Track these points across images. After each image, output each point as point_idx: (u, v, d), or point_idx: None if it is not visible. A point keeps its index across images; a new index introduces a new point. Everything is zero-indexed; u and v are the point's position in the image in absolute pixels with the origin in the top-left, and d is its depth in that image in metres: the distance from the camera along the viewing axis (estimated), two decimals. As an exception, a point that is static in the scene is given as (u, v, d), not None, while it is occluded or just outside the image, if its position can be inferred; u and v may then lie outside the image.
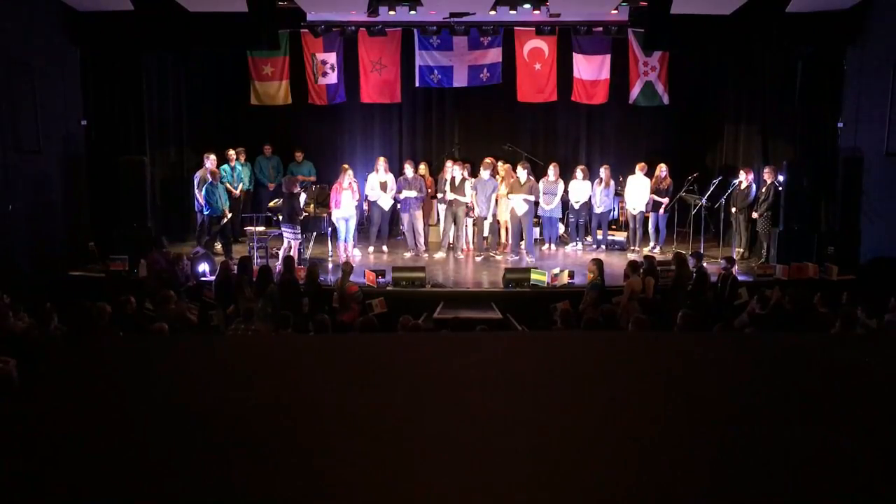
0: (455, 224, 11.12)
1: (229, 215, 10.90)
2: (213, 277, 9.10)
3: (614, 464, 2.31)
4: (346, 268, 8.66)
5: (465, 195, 10.90)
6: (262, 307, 7.87)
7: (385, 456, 2.34)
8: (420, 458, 2.35)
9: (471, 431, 2.50)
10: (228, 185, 11.31)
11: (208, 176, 10.67)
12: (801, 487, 2.17)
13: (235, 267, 8.84)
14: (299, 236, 10.14)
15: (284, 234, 10.12)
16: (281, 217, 10.33)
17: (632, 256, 10.73)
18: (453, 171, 11.05)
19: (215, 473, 2.25)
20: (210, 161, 10.93)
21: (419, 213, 11.12)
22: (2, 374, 3.35)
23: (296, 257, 9.84)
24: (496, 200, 11.04)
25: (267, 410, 2.71)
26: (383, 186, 11.07)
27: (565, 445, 2.43)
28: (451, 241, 11.26)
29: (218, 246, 11.17)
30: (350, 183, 10.68)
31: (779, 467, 2.24)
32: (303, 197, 10.51)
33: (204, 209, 10.72)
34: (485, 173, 10.83)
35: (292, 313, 7.35)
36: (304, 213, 10.34)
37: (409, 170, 11.11)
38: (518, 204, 10.68)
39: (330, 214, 10.70)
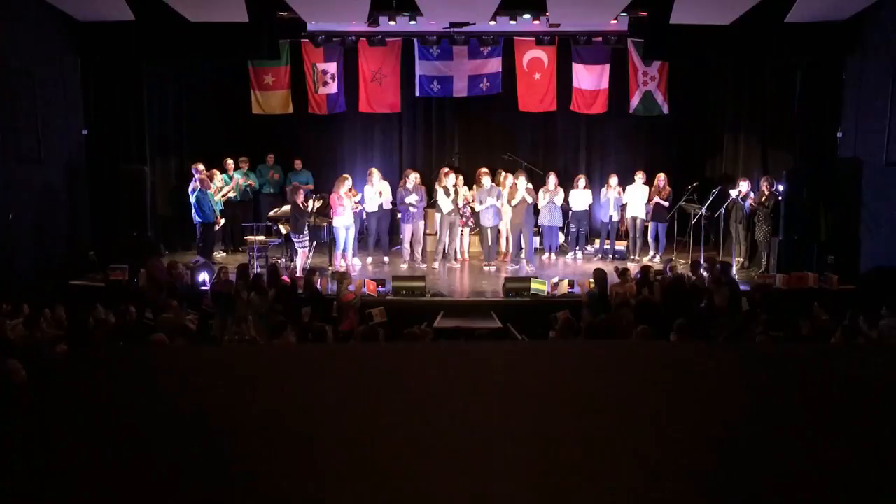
0: (450, 233, 11.11)
1: (222, 221, 10.89)
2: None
3: (614, 468, 2.31)
4: (340, 276, 8.65)
5: (452, 205, 10.88)
6: (253, 315, 7.85)
7: (384, 463, 2.34)
8: (419, 465, 2.35)
9: (470, 440, 2.50)
10: (216, 189, 11.15)
11: (197, 184, 10.67)
12: (801, 496, 2.17)
13: (233, 275, 8.83)
14: (306, 244, 10.15)
15: (296, 245, 10.20)
16: (285, 227, 10.36)
17: (632, 266, 10.72)
18: (447, 180, 10.98)
19: (216, 480, 2.25)
20: (198, 171, 10.93)
21: (421, 224, 11.11)
22: (11, 370, 3.37)
23: (300, 265, 9.85)
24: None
25: (266, 419, 2.70)
26: (380, 196, 11.09)
27: (564, 453, 2.43)
28: (445, 250, 11.23)
29: (218, 255, 11.15)
30: (348, 192, 10.67)
31: (778, 476, 2.23)
32: (312, 202, 10.48)
33: (196, 216, 10.72)
34: (486, 181, 10.83)
35: (291, 321, 7.33)
36: (307, 221, 10.33)
37: (410, 180, 11.06)
38: (521, 188, 10.63)
39: (329, 224, 10.69)
